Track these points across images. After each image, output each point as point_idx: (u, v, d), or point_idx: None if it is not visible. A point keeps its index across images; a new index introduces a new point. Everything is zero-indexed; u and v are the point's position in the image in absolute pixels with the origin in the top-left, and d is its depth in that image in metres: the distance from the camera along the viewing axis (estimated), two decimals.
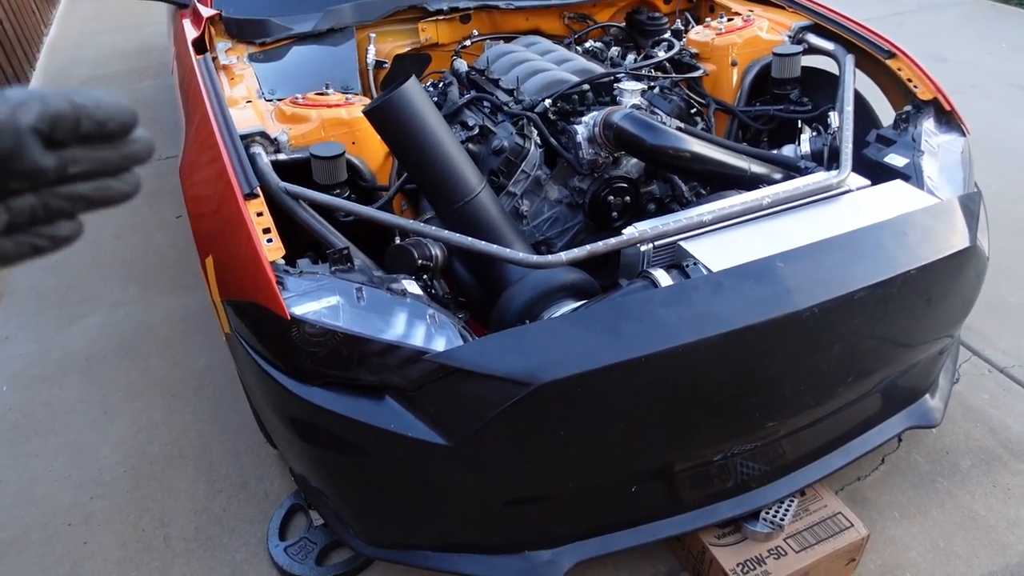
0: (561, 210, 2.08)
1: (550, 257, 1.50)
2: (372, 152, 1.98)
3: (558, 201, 2.08)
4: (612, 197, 2.03)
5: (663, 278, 1.47)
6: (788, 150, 2.09)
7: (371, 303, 1.45)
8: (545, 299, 1.61)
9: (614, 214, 2.05)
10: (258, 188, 1.59)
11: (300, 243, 1.65)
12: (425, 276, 1.69)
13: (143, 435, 2.31)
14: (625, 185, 2.04)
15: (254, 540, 1.95)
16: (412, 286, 1.52)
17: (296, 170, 1.84)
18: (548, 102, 2.00)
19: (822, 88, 2.31)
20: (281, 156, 1.84)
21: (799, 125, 2.34)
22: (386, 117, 1.64)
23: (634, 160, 2.05)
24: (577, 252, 1.51)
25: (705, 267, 1.49)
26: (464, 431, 1.36)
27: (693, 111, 2.17)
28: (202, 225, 1.73)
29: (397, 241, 1.73)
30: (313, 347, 1.42)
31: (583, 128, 1.93)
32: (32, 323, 2.86)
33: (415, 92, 1.65)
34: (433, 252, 1.70)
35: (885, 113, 2.25)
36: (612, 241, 1.55)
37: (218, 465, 2.19)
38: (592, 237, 2.10)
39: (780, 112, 2.27)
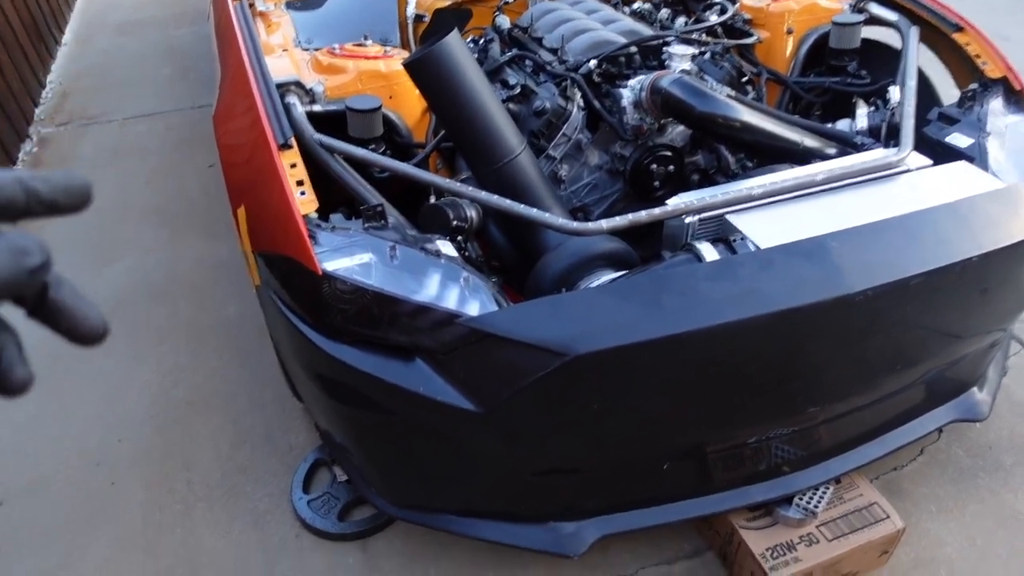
0: (600, 176, 2.02)
1: (590, 224, 1.45)
2: (409, 107, 1.92)
3: (598, 167, 2.01)
4: (655, 165, 1.96)
5: (708, 252, 1.41)
6: (843, 125, 2.00)
7: (404, 262, 1.41)
8: (582, 267, 1.56)
9: (656, 183, 1.98)
10: (292, 139, 1.54)
11: (333, 198, 1.61)
12: (459, 237, 1.64)
13: (169, 380, 2.32)
14: (669, 154, 1.96)
15: (277, 492, 1.96)
16: (447, 247, 1.48)
17: (330, 122, 1.79)
18: (593, 63, 1.92)
19: (882, 61, 2.19)
20: (316, 107, 1.80)
21: (854, 99, 2.23)
22: (426, 70, 1.58)
23: (680, 128, 1.98)
24: (619, 221, 1.46)
25: (753, 243, 1.43)
26: (495, 398, 1.33)
27: (745, 79, 2.07)
28: (234, 174, 1.70)
29: (432, 200, 1.68)
30: (343, 304, 1.39)
31: (629, 92, 1.85)
32: (65, 264, 2.84)
33: (456, 46, 1.58)
34: (468, 213, 1.65)
35: (946, 93, 2.13)
36: (656, 211, 1.48)
37: (243, 415, 2.19)
38: (631, 206, 2.04)
39: (836, 85, 2.16)
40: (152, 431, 2.15)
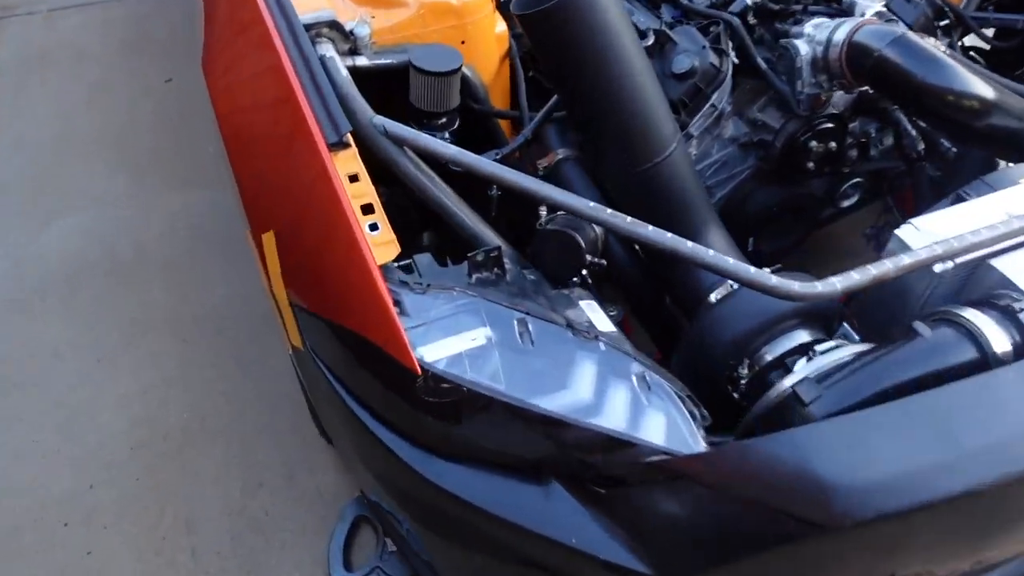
0: (732, 152, 1.51)
1: (819, 286, 0.96)
2: (485, 54, 1.35)
3: (732, 140, 1.50)
4: (814, 142, 1.45)
5: (993, 334, 0.95)
6: None
7: (543, 346, 0.93)
8: (772, 328, 1.10)
9: (810, 164, 1.49)
10: (349, 134, 0.99)
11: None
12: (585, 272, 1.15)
13: (152, 396, 1.82)
14: (832, 125, 1.45)
15: (309, 560, 1.54)
16: (598, 315, 0.99)
17: (374, 80, 1.22)
18: None
19: None
20: (360, 61, 1.22)
21: None
22: (562, 25, 1.02)
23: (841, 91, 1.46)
24: (857, 278, 0.97)
25: None
26: (686, 566, 0.90)
27: (944, 23, 1.52)
28: (249, 173, 1.14)
29: (543, 217, 1.15)
30: (444, 396, 0.91)
31: (805, 45, 1.31)
32: None
33: None
34: (595, 233, 1.14)
35: None
36: (906, 260, 1.00)
37: (253, 445, 1.73)
38: (764, 187, 1.55)
39: None
40: (137, 471, 1.67)
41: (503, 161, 1.23)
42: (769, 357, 1.09)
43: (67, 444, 1.72)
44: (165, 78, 2.79)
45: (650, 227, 0.99)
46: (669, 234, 0.99)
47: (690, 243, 0.99)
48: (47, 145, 2.51)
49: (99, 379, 1.85)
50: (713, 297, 1.16)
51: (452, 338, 0.92)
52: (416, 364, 0.88)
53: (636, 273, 1.31)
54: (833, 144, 1.47)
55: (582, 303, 1.00)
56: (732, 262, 0.98)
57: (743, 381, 1.11)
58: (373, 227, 0.95)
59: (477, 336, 0.92)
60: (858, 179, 1.63)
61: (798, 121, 1.43)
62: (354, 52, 1.22)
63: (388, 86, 1.24)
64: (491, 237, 1.09)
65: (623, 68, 1.05)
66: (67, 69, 2.84)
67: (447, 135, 1.23)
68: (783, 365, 1.10)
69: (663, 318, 1.31)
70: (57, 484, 1.65)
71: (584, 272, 1.13)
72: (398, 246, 0.95)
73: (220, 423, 1.77)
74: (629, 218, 0.99)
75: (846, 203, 1.67)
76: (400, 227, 1.00)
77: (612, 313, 1.22)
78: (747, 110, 1.48)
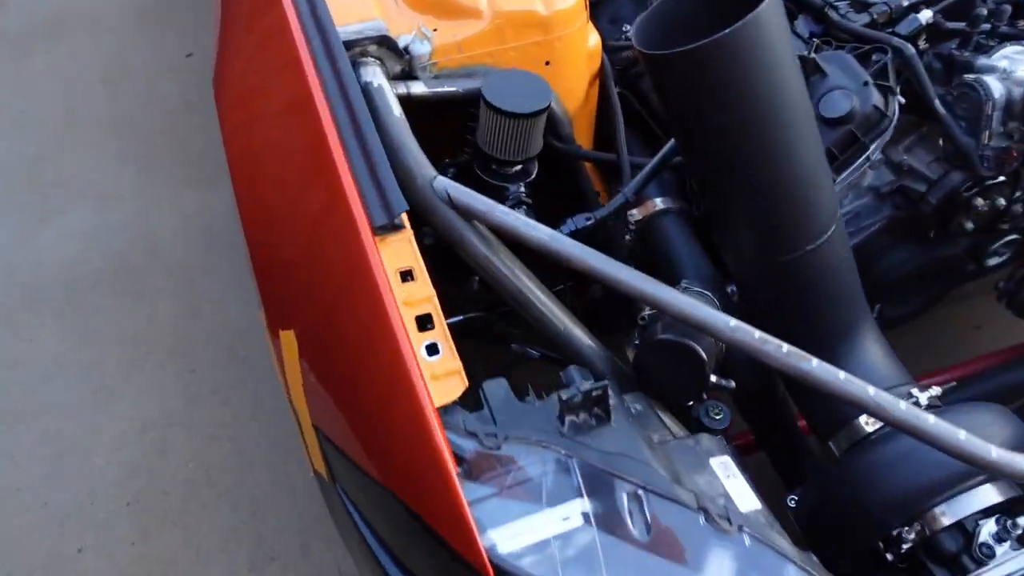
0: (867, 201, 1.21)
1: None
2: (573, 80, 1.06)
3: (870, 188, 1.20)
4: (979, 199, 1.15)
5: None
6: None
7: (662, 534, 0.66)
8: (952, 485, 0.82)
9: (968, 225, 1.18)
10: (404, 214, 0.71)
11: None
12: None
13: (153, 437, 1.59)
14: (1003, 178, 1.15)
15: None
16: (738, 483, 0.72)
17: (428, 109, 0.94)
18: (927, 15, 1.03)
19: None
20: (416, 88, 0.93)
21: None
22: (713, 67, 0.72)
23: None
24: None
25: None
26: None
27: None
28: (266, 247, 0.87)
29: (646, 312, 0.87)
30: None
31: (997, 82, 1.00)
32: None
33: (776, 17, 0.71)
34: (714, 342, 0.86)
35: None
36: None
37: (264, 507, 1.49)
38: (901, 248, 1.26)
39: None
40: (132, 534, 1.45)
41: (584, 235, 0.94)
42: (947, 521, 0.82)
43: (54, 493, 1.50)
44: (186, 53, 2.51)
45: (815, 361, 0.71)
46: (842, 373, 0.71)
47: (872, 388, 0.70)
48: (51, 127, 2.25)
49: (93, 412, 1.61)
50: (868, 425, 0.88)
51: (536, 516, 0.66)
52: (484, 558, 0.62)
53: (757, 381, 1.02)
54: (1002, 201, 1.17)
55: (713, 462, 0.73)
56: (933, 421, 0.69)
57: (907, 545, 0.83)
58: (431, 349, 0.68)
59: (571, 513, 0.66)
60: (1015, 236, 1.32)
61: (963, 173, 1.12)
62: (408, 76, 0.93)
63: (443, 111, 0.95)
64: (585, 343, 0.82)
65: (786, 130, 0.75)
66: (79, 40, 2.56)
67: (522, 187, 0.95)
68: (962, 527, 0.82)
69: (784, 430, 1.03)
70: (41, 544, 1.43)
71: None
72: (464, 378, 0.68)
73: (227, 476, 1.53)
74: (786, 346, 0.71)
75: (995, 261, 1.37)
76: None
77: (718, 416, 0.95)
78: (891, 150, 1.18)
